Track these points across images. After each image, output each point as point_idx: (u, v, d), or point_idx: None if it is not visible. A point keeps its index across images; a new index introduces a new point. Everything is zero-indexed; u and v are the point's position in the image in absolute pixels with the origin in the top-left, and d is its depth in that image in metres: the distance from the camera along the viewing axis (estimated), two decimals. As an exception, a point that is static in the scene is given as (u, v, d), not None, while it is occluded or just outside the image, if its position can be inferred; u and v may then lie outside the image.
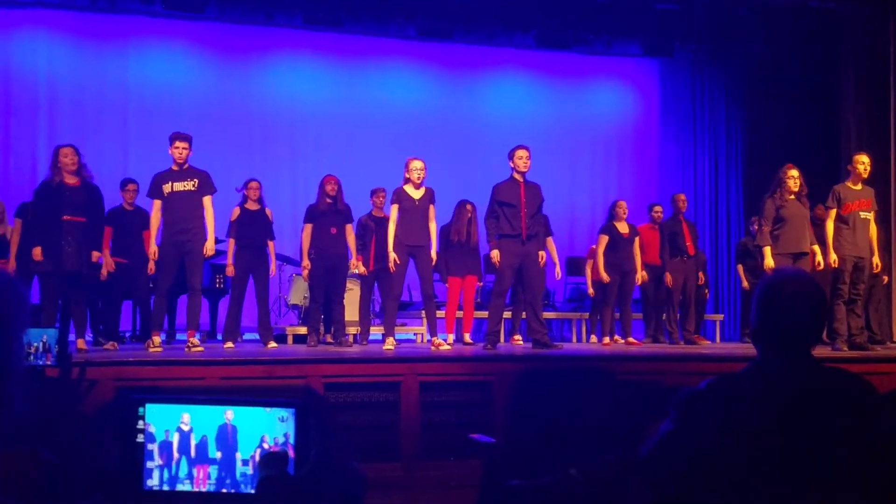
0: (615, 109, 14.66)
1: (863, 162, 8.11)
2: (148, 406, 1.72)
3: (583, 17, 12.42)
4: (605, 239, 9.45)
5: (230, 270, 8.19)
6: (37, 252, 6.97)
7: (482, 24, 12.75)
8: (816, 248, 7.90)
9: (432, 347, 7.60)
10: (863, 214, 8.04)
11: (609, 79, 14.60)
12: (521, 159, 7.84)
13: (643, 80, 14.72)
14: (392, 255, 7.72)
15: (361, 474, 1.48)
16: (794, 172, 7.96)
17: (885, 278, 9.81)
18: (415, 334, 10.42)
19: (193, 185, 7.30)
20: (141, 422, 1.72)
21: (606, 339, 9.47)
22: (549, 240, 9.50)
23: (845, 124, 11.78)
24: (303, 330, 9.50)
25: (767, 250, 7.84)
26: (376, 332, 9.36)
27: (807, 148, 11.96)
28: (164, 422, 1.73)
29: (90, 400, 2.13)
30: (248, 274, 8.24)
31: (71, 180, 7.10)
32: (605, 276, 9.27)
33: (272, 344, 8.10)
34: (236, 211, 8.35)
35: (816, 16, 12.00)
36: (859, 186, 8.09)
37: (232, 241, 8.25)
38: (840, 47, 11.98)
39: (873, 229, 8.14)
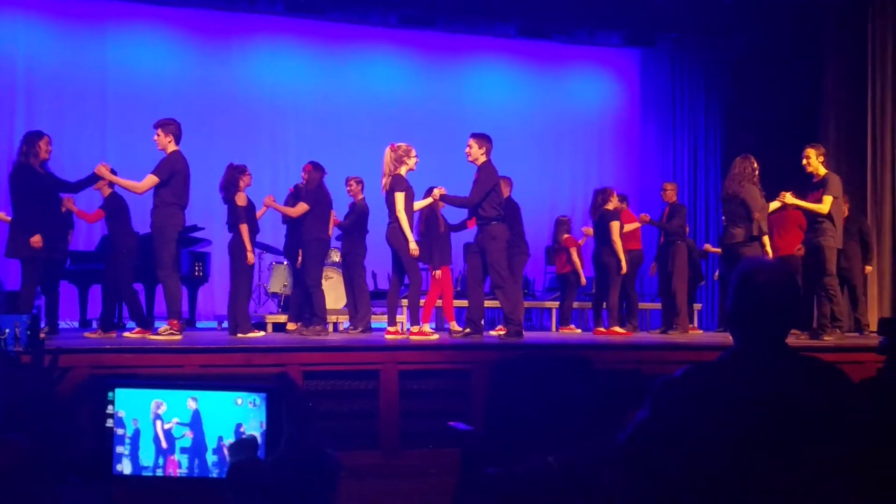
0: (596, 98, 14.71)
1: (806, 156, 8.17)
2: (118, 391, 1.70)
3: (565, 6, 12.41)
4: (616, 225, 9.37)
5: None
6: (37, 240, 6.93)
7: (464, 13, 12.74)
8: (766, 239, 7.99)
9: (405, 336, 7.63)
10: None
11: (590, 68, 14.64)
12: None
13: (624, 70, 14.78)
14: (413, 246, 7.64)
15: (335, 460, 1.48)
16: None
17: (868, 268, 9.89)
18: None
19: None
20: (110, 407, 1.70)
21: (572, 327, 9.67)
22: None
23: (824, 115, 11.86)
24: (282, 318, 9.47)
25: (767, 239, 7.92)
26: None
27: (785, 138, 12.03)
28: (135, 407, 1.72)
29: (65, 386, 2.11)
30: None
31: (39, 168, 7.11)
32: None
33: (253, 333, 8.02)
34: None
35: (799, 7, 12.06)
36: (815, 178, 8.14)
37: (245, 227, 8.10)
38: (821, 39, 12.05)
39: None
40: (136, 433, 1.71)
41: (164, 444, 1.72)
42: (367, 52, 13.47)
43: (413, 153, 7.76)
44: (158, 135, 7.23)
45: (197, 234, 9.96)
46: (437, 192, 7.94)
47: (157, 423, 1.72)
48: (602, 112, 14.74)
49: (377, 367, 6.23)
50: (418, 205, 8.15)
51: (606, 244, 9.25)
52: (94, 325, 9.61)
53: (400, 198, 7.58)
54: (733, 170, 8.17)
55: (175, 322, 7.05)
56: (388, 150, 7.78)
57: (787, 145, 11.57)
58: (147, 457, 1.72)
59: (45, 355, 2.21)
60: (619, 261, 9.21)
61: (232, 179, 8.13)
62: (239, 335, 7.74)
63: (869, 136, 11.21)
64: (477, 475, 2.37)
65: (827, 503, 2.06)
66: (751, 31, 12.83)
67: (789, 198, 8.05)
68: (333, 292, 9.70)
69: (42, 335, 6.63)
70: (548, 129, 14.15)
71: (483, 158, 7.64)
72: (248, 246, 8.02)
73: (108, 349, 5.97)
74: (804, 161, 8.14)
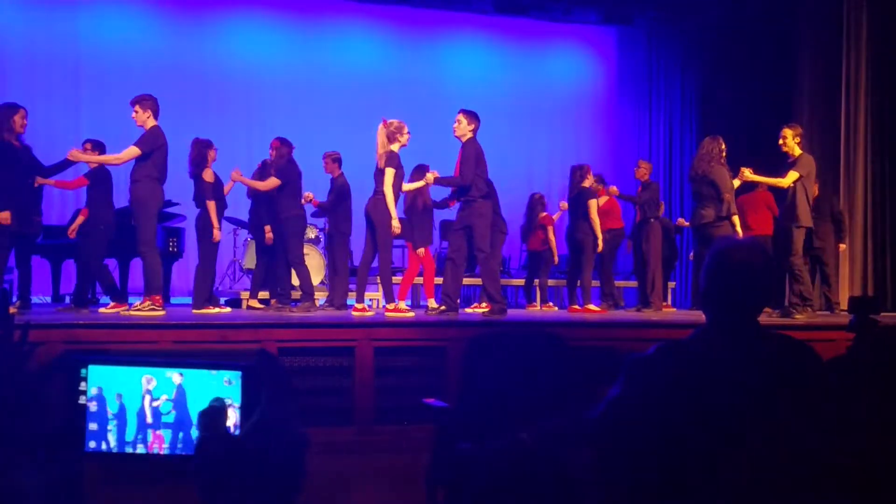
0: (573, 76, 14.71)
1: (782, 136, 8.24)
2: (91, 367, 1.69)
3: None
4: (594, 202, 9.40)
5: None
6: (6, 216, 6.86)
7: (441, -13, 12.68)
8: (736, 218, 8.04)
9: (372, 313, 7.61)
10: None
11: (567, 45, 14.62)
12: None
13: (601, 48, 14.77)
14: (396, 224, 7.59)
15: (303, 436, 1.48)
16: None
17: (842, 246, 9.96)
18: (370, 300, 10.41)
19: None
20: (83, 383, 1.69)
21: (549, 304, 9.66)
22: None
23: (798, 94, 11.91)
24: (263, 295, 9.40)
25: (737, 219, 7.97)
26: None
27: (760, 116, 12.08)
28: (108, 383, 1.70)
29: (37, 361, 2.09)
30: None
31: (16, 142, 7.05)
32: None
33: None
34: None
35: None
36: (790, 159, 8.20)
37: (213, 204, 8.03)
38: (796, 18, 12.08)
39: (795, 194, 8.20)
40: (112, 410, 1.70)
41: (148, 420, 1.71)
42: (342, 26, 13.37)
43: (405, 130, 7.74)
44: (137, 111, 7.21)
45: (172, 210, 9.88)
46: (430, 176, 7.94)
47: (146, 397, 1.70)
48: (579, 89, 14.73)
49: (352, 343, 6.23)
50: (408, 187, 8.13)
51: (583, 221, 9.25)
52: (68, 300, 9.53)
53: (390, 174, 7.56)
54: (701, 150, 8.22)
55: (157, 297, 7.02)
56: (380, 126, 7.76)
57: (761, 123, 11.63)
58: (126, 435, 1.71)
59: (16, 330, 2.18)
60: (594, 238, 9.23)
61: (200, 154, 8.04)
62: (193, 311, 7.68)
63: (842, 114, 11.27)
64: (450, 451, 2.38)
65: (798, 480, 2.09)
66: (727, 10, 12.85)
67: (748, 174, 8.11)
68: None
69: (13, 310, 6.59)
70: (524, 105, 14.12)
71: (470, 135, 7.65)
72: (215, 223, 7.97)
73: (81, 324, 5.92)
74: (780, 141, 8.19)
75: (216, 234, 8.00)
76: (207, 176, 7.99)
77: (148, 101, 7.23)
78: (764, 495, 2.07)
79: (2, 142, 7.01)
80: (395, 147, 7.67)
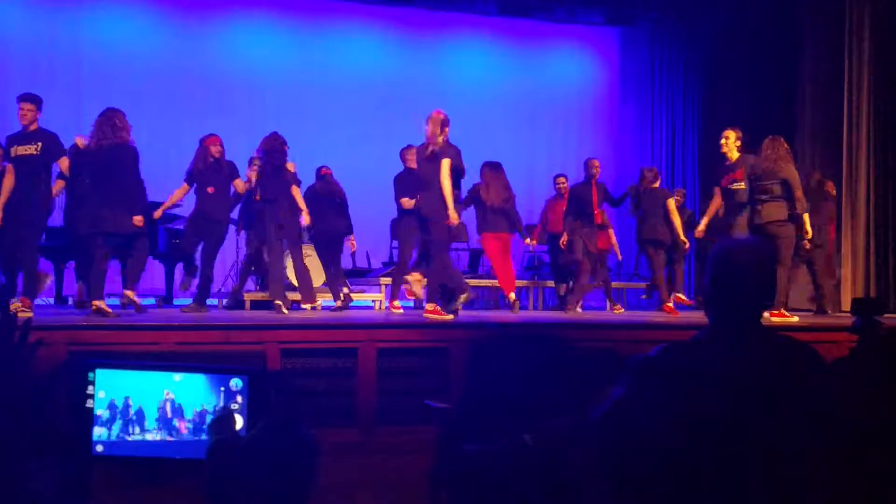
0: (576, 77, 14.73)
1: (726, 136, 8.28)
2: (98, 371, 1.69)
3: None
4: (672, 202, 9.38)
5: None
6: (139, 220, 6.96)
7: (443, -11, 12.70)
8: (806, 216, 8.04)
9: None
10: (734, 186, 8.20)
11: (570, 46, 14.64)
12: None
13: (604, 49, 14.79)
14: (454, 216, 7.29)
15: (314, 441, 1.48)
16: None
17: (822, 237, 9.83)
18: (373, 301, 10.41)
19: (35, 149, 7.11)
20: (91, 387, 1.69)
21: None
22: None
23: (800, 94, 11.91)
24: (262, 295, 9.39)
25: (807, 217, 7.96)
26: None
27: (763, 117, 12.07)
28: (115, 387, 1.71)
29: (42, 363, 2.09)
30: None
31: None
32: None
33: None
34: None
35: (776, -14, 12.10)
36: (728, 161, 8.27)
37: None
38: (798, 20, 12.08)
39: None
40: (118, 413, 1.70)
41: (168, 414, 1.72)
42: (345, 28, 13.38)
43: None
44: (31, 109, 7.18)
45: (176, 212, 9.89)
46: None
47: (140, 405, 1.71)
48: (581, 91, 14.74)
49: (356, 345, 6.23)
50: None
51: (665, 223, 9.20)
52: (70, 301, 9.54)
53: (446, 164, 7.37)
54: (765, 150, 8.01)
55: (26, 300, 6.91)
56: (434, 114, 7.71)
57: (764, 124, 11.62)
58: (150, 422, 1.72)
59: (16, 330, 2.18)
60: (674, 237, 9.21)
61: (280, 148, 8.15)
62: (305, 306, 7.97)
63: (845, 113, 11.26)
64: (453, 452, 2.38)
65: (801, 481, 2.09)
66: (729, 11, 12.86)
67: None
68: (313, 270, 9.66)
69: (15, 306, 6.60)
70: (527, 106, 14.13)
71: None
72: (304, 206, 8.10)
73: (84, 326, 5.92)
74: (722, 140, 8.29)
75: (305, 217, 8.08)
76: (290, 166, 8.15)
77: (40, 102, 7.25)
78: (767, 496, 2.07)
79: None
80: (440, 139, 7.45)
